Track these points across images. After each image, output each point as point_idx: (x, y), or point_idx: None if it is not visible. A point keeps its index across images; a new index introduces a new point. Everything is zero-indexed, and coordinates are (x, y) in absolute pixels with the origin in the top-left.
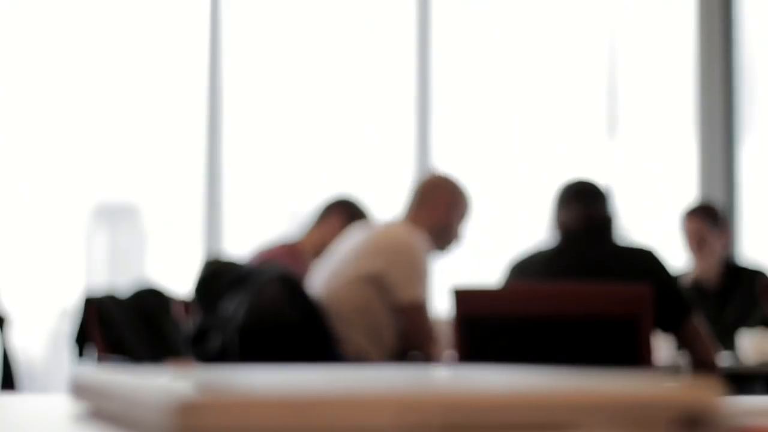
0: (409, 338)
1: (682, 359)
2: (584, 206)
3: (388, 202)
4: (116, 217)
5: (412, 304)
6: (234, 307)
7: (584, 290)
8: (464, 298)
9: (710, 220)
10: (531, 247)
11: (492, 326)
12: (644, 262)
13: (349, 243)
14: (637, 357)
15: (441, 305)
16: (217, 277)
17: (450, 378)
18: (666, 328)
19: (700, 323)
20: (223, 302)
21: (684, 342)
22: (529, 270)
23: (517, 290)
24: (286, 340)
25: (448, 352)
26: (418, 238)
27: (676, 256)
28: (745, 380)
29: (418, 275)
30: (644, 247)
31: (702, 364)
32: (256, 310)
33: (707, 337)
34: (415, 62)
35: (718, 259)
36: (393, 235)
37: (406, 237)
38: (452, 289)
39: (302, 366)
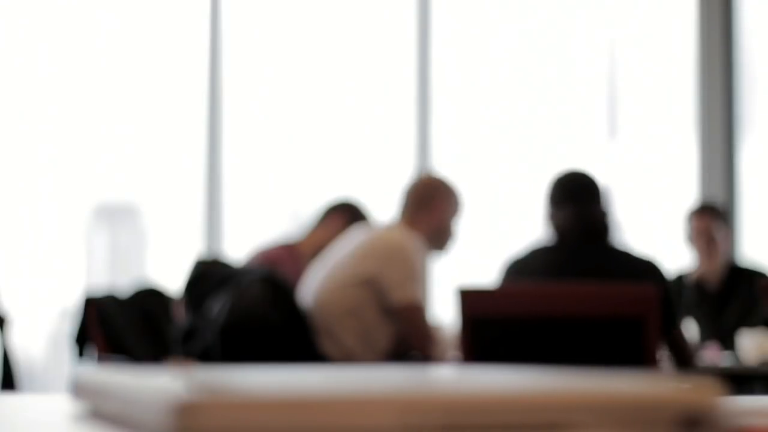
0: (407, 339)
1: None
2: (577, 205)
3: (387, 203)
4: (116, 217)
5: (409, 305)
6: (218, 307)
7: (590, 291)
8: (470, 298)
9: (718, 218)
10: (526, 246)
11: (498, 326)
12: (642, 268)
13: (345, 245)
14: (643, 357)
15: (445, 308)
16: (205, 277)
17: (450, 378)
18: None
19: (683, 330)
20: (209, 302)
21: (670, 345)
22: (524, 270)
23: (523, 290)
24: (267, 341)
25: (454, 353)
26: (414, 241)
27: (676, 256)
28: (745, 380)
29: (413, 277)
30: (642, 255)
31: (684, 366)
32: (238, 310)
33: (689, 343)
34: (415, 62)
35: (724, 258)
36: (388, 238)
37: (401, 240)
38: (457, 290)
39: (300, 366)
